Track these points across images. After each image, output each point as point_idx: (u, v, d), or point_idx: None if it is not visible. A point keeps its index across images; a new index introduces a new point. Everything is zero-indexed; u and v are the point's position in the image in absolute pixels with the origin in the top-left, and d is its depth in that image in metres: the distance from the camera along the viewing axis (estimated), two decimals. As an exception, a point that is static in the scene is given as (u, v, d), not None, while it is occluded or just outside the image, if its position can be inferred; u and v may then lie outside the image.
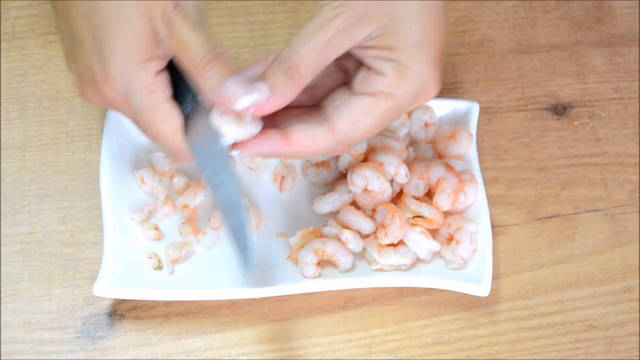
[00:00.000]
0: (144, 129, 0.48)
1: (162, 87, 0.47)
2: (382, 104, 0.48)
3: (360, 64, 0.50)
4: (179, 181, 0.60)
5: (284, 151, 0.49)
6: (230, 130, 0.49)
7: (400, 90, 0.48)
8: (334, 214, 0.59)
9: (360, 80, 0.49)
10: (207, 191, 0.57)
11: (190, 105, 0.50)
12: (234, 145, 0.49)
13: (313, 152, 0.49)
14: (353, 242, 0.57)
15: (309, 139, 0.49)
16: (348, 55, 0.49)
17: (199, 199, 0.59)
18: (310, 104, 0.52)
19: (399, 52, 0.48)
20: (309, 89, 0.51)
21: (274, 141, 0.49)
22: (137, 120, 0.48)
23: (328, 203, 0.59)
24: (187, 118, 0.49)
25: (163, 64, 0.48)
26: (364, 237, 0.58)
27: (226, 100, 0.46)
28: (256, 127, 0.49)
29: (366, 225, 0.57)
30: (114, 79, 0.47)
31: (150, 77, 0.47)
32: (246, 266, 0.50)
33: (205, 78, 0.47)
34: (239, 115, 0.48)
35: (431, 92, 0.49)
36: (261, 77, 0.47)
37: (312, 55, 0.47)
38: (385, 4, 0.47)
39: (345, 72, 0.52)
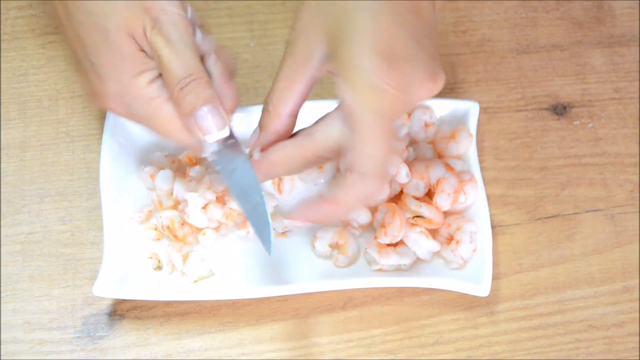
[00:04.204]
0: (152, 130, 0.50)
1: (158, 92, 0.49)
2: (343, 120, 0.46)
3: None
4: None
5: (333, 213, 0.49)
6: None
7: (348, 95, 0.45)
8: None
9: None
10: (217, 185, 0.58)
11: None
12: (289, 215, 0.51)
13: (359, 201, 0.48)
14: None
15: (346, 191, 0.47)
16: None
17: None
18: None
19: (344, 58, 0.45)
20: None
21: (321, 208, 0.49)
22: (144, 125, 0.50)
23: (312, 182, 0.59)
24: None
25: (157, 72, 0.49)
26: (360, 227, 0.58)
27: (197, 129, 0.48)
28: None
29: (361, 215, 0.58)
30: (113, 95, 0.49)
31: (144, 88, 0.48)
32: (266, 246, 0.51)
33: (179, 103, 0.48)
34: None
35: (390, 87, 0.44)
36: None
37: (279, 86, 0.48)
38: (331, 18, 0.46)
39: None
